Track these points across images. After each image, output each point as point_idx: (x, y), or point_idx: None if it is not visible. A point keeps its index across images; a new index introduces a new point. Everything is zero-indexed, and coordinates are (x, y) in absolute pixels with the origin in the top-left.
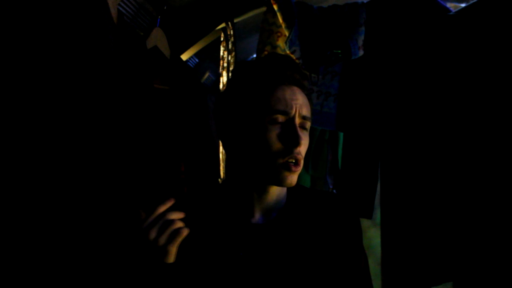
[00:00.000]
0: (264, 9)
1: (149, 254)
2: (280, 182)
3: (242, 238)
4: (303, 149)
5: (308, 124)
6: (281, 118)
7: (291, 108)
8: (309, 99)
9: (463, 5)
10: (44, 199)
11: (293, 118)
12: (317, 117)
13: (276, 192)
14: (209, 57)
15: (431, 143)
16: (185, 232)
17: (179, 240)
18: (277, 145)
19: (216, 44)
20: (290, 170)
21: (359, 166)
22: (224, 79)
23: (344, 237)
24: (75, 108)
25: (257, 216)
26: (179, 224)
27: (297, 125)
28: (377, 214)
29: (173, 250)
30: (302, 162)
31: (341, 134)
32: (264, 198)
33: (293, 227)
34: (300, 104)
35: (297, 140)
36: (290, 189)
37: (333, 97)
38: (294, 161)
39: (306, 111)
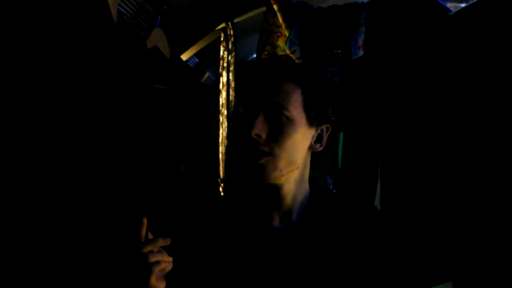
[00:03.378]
0: (264, 9)
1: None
2: (252, 175)
3: (263, 242)
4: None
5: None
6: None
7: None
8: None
9: (463, 5)
10: (43, 199)
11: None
12: None
13: (289, 193)
14: (209, 57)
15: (431, 143)
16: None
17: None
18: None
19: (216, 44)
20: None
21: (359, 166)
22: (224, 79)
23: (369, 248)
24: (74, 108)
25: (276, 219)
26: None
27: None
28: None
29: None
30: (266, 150)
31: (341, 134)
32: (277, 200)
33: (314, 233)
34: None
35: (250, 125)
36: (314, 192)
37: None
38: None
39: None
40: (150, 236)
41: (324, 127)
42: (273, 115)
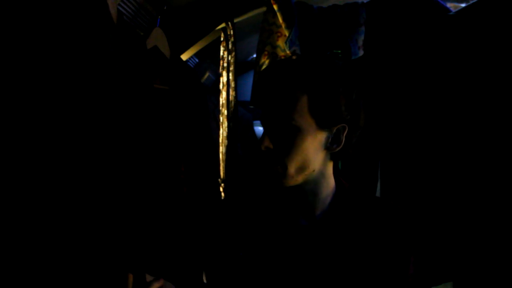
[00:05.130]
0: (264, 9)
1: None
2: (268, 181)
3: (288, 239)
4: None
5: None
6: None
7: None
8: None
9: (463, 5)
10: (42, 199)
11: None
12: None
13: (309, 191)
14: (209, 57)
15: (431, 143)
16: None
17: None
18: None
19: (216, 44)
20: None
21: (359, 166)
22: (224, 79)
23: (393, 246)
24: (74, 108)
25: (301, 217)
26: None
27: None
28: None
29: None
30: (277, 160)
31: None
32: (297, 198)
33: (337, 229)
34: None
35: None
36: (339, 190)
37: None
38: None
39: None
40: (149, 278)
41: (339, 127)
42: (280, 126)
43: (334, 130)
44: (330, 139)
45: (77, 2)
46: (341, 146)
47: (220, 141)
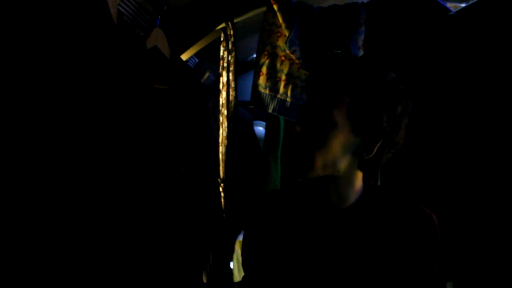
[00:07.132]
0: (264, 9)
1: None
2: (292, 169)
3: (317, 227)
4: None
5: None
6: None
7: None
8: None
9: (463, 5)
10: (41, 199)
11: None
12: None
13: (332, 190)
14: (209, 57)
15: (431, 143)
16: None
17: None
18: None
19: (216, 44)
20: None
21: None
22: (224, 79)
23: (419, 243)
24: (74, 109)
25: (324, 211)
26: None
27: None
28: None
29: None
30: (306, 151)
31: None
32: (323, 194)
33: (357, 224)
34: None
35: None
36: (366, 190)
37: None
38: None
39: None
40: None
41: (374, 136)
42: (317, 117)
43: (368, 138)
44: (361, 146)
45: (77, 2)
46: (370, 156)
47: (220, 141)
